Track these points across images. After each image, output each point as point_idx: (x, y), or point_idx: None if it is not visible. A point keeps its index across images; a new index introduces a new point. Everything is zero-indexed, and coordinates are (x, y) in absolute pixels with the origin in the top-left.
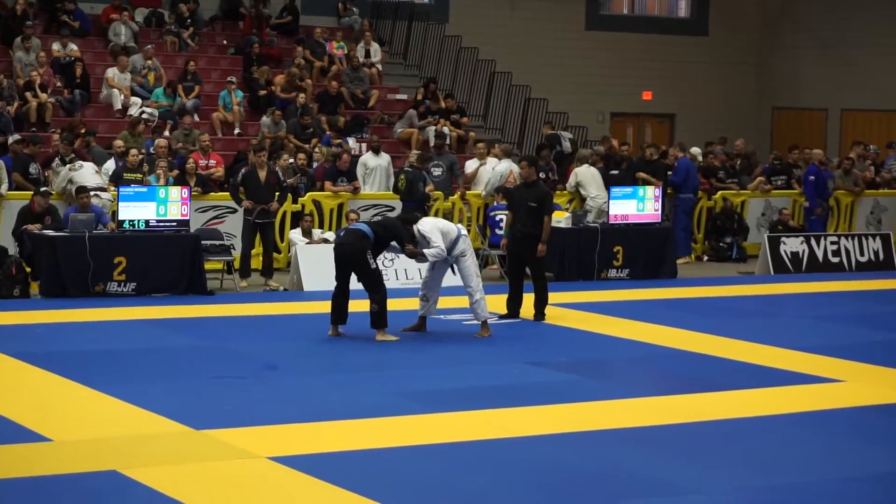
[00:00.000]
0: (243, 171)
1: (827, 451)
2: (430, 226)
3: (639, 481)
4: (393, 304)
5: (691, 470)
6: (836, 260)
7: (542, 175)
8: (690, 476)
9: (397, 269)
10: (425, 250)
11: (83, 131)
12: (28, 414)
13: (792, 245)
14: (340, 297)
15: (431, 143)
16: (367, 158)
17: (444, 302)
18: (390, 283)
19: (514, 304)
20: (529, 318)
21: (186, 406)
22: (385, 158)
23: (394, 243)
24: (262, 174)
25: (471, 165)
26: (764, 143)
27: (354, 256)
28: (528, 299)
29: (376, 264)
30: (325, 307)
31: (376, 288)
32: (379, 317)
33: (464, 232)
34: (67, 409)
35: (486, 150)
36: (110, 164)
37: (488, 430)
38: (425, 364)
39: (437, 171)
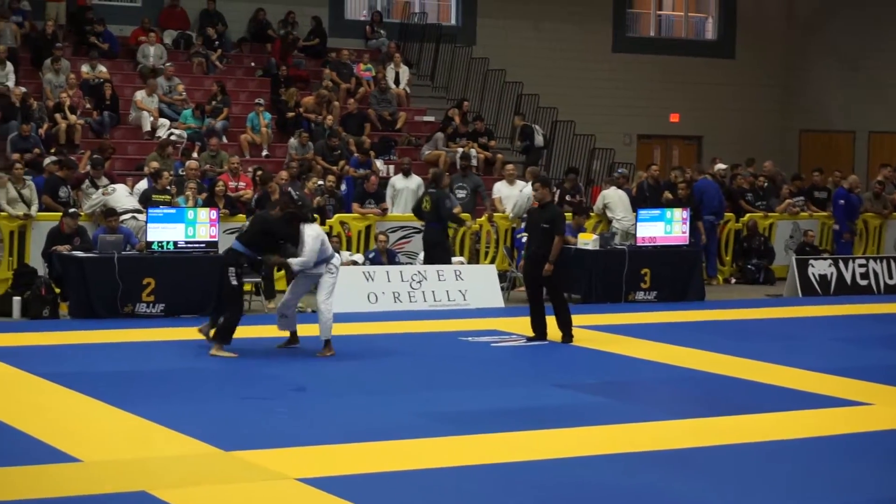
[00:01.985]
0: (256, 195)
1: (856, 474)
2: (316, 232)
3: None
4: (419, 326)
5: (722, 493)
6: (864, 283)
7: (568, 197)
8: (722, 499)
9: (424, 292)
10: (292, 260)
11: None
12: (57, 434)
13: (820, 267)
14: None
15: (459, 166)
16: (396, 180)
17: (466, 325)
18: (417, 304)
19: (537, 326)
20: (557, 341)
21: (215, 427)
22: (415, 181)
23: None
24: (276, 197)
25: (498, 188)
26: (791, 165)
27: (221, 270)
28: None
29: (238, 282)
30: (354, 328)
31: (230, 304)
32: (223, 331)
33: (339, 255)
34: (97, 430)
35: (515, 171)
36: (142, 185)
37: (516, 452)
38: (453, 386)
39: (461, 193)
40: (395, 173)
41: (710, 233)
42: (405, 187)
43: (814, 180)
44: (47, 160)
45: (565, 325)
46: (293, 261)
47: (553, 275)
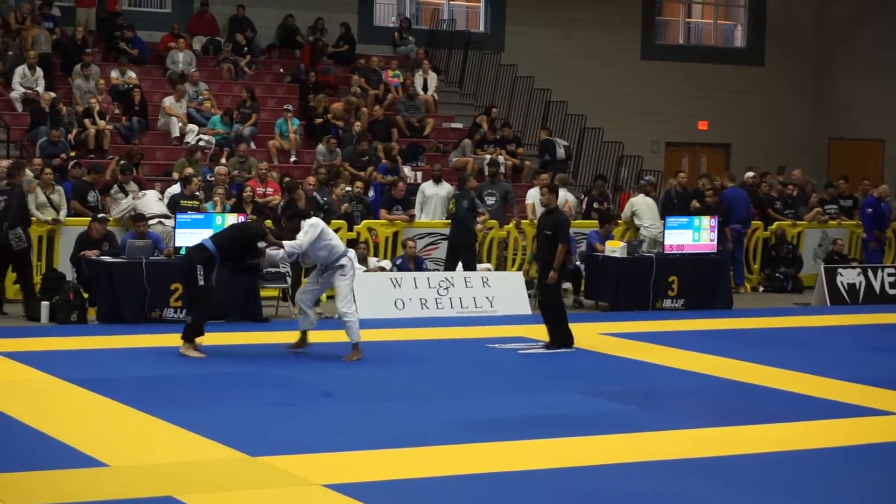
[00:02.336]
0: (283, 202)
1: (883, 484)
2: (316, 221)
3: None
4: (446, 333)
5: (749, 501)
6: (893, 291)
7: (595, 204)
8: None
9: (451, 298)
10: (285, 242)
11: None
12: (85, 439)
13: (849, 276)
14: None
15: (487, 173)
16: (426, 187)
17: (492, 332)
18: (444, 311)
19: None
20: (582, 347)
21: (242, 432)
22: (445, 188)
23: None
24: (301, 203)
25: (532, 195)
26: (820, 173)
27: (184, 269)
28: (577, 329)
29: (205, 282)
30: (382, 335)
31: (198, 303)
32: (190, 329)
33: (352, 254)
34: (124, 435)
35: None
36: (175, 189)
37: (544, 459)
38: (479, 393)
39: (490, 200)
40: (424, 180)
41: (736, 241)
42: (435, 194)
43: (840, 188)
44: (71, 164)
45: (551, 330)
46: (286, 243)
47: (557, 284)
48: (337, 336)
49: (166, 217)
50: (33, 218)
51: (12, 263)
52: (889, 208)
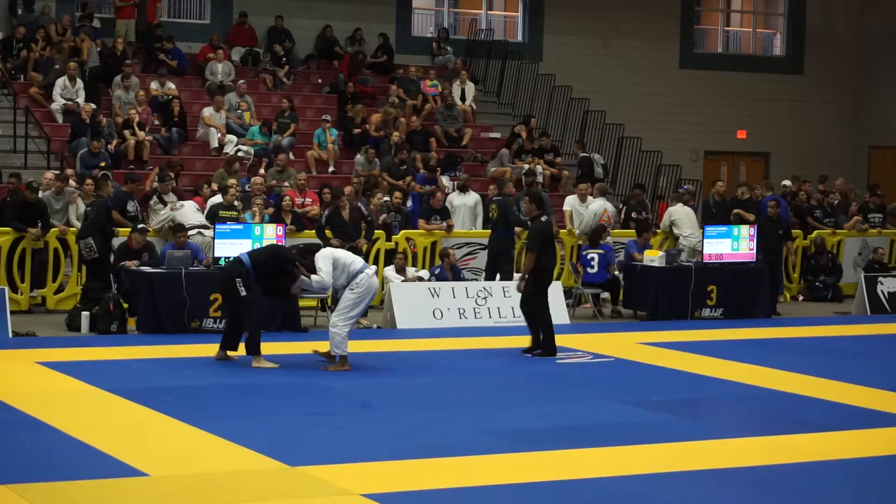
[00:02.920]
0: (327, 212)
1: None
2: (325, 253)
3: None
4: (484, 343)
5: None
6: None
7: (634, 213)
8: None
9: (490, 308)
10: (313, 276)
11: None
12: (126, 449)
13: (889, 285)
14: (230, 321)
15: (523, 182)
16: (453, 197)
17: (530, 341)
18: (482, 320)
19: (535, 339)
20: (620, 357)
21: (281, 442)
22: (473, 197)
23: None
24: (346, 213)
25: (570, 202)
26: (860, 182)
27: (224, 282)
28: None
29: (247, 292)
30: (420, 345)
31: (245, 315)
32: (250, 344)
33: (370, 270)
34: (164, 445)
35: (588, 189)
36: (215, 199)
37: (584, 469)
38: (518, 403)
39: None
40: (453, 190)
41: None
42: (462, 204)
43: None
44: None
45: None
46: (314, 278)
47: (533, 292)
48: (374, 346)
49: (205, 227)
50: (73, 228)
51: (88, 271)
52: None
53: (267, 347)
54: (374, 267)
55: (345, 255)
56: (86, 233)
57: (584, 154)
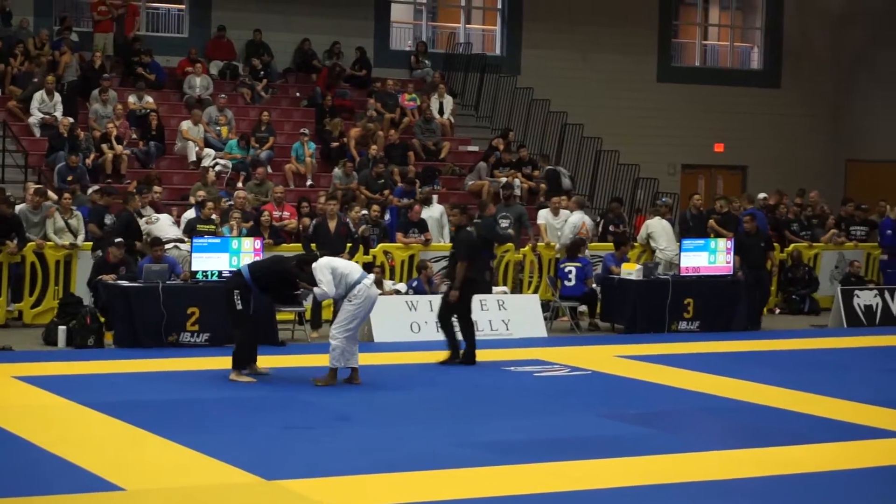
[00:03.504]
0: (314, 222)
1: None
2: (322, 263)
3: None
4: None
5: None
6: None
7: (612, 227)
8: None
9: (479, 320)
10: (315, 289)
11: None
12: (102, 463)
13: (865, 298)
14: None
15: (501, 195)
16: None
17: (509, 354)
18: (460, 334)
19: (454, 350)
20: (598, 370)
21: (258, 456)
22: (437, 209)
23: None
24: (333, 225)
25: (543, 215)
26: (836, 195)
27: (223, 294)
28: (594, 351)
29: (243, 305)
30: (398, 358)
31: (237, 327)
32: (235, 355)
33: (368, 280)
34: (141, 459)
35: (560, 202)
36: (190, 213)
37: (560, 482)
38: (496, 415)
39: (504, 223)
40: (441, 203)
41: None
42: (428, 217)
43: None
44: (90, 190)
45: (471, 349)
46: (315, 291)
47: (459, 301)
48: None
49: (181, 241)
50: (51, 243)
51: None
52: None
53: None
54: (372, 276)
55: (342, 265)
56: (99, 245)
57: (551, 167)
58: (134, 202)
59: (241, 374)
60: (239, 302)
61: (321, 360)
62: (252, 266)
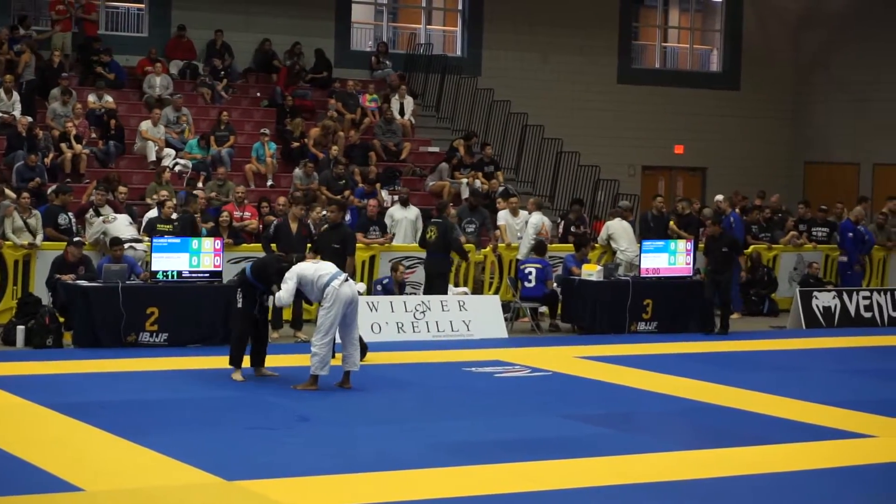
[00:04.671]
0: (275, 223)
1: None
2: (294, 269)
3: None
4: (423, 357)
5: None
6: (868, 315)
7: (573, 228)
8: None
9: (428, 322)
10: (275, 292)
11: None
12: (60, 464)
13: (824, 299)
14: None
15: (464, 197)
16: (395, 210)
17: (469, 355)
18: (421, 334)
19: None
20: (558, 371)
21: (219, 457)
22: (413, 211)
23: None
24: (294, 226)
25: (503, 216)
26: (795, 196)
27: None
28: (554, 353)
29: (243, 303)
30: None
31: (231, 325)
32: (230, 354)
33: (336, 282)
34: (100, 460)
35: (518, 202)
36: (152, 213)
37: (521, 482)
38: (457, 416)
39: (470, 228)
40: (392, 203)
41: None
42: (404, 217)
43: (820, 215)
44: (50, 190)
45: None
46: (277, 295)
47: None
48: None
49: (137, 241)
50: (9, 243)
51: None
52: (867, 232)
53: (207, 361)
54: (341, 276)
55: (310, 270)
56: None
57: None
58: (195, 204)
59: (237, 373)
60: (239, 300)
61: (281, 361)
62: (252, 265)
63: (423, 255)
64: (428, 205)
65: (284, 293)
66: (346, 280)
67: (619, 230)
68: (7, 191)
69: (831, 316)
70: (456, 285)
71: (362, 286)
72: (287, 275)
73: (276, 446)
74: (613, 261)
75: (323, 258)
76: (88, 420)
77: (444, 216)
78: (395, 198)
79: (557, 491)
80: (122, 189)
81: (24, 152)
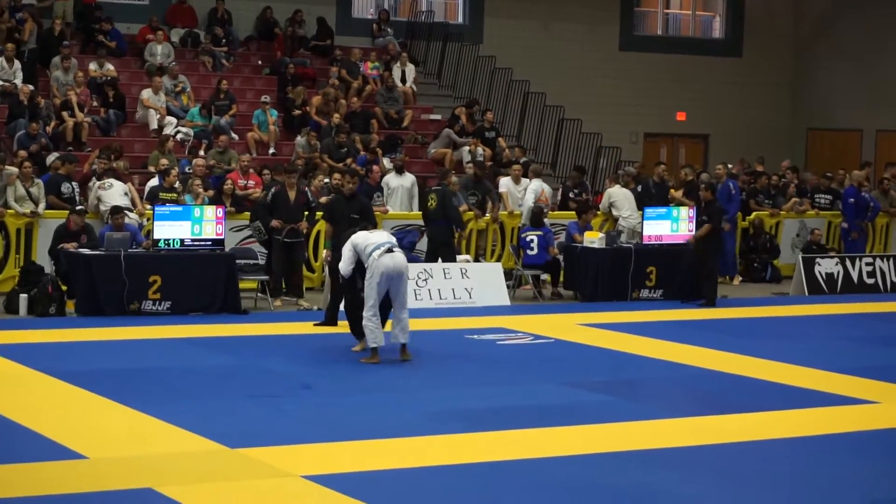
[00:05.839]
0: (273, 190)
1: (862, 472)
2: (351, 239)
3: (674, 502)
4: (425, 325)
5: (727, 491)
6: (871, 281)
7: (572, 194)
8: (725, 498)
9: (430, 290)
10: (340, 266)
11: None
12: (63, 431)
13: (826, 266)
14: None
15: (465, 162)
16: (390, 178)
17: (471, 323)
18: (423, 302)
19: (332, 313)
20: (560, 338)
21: (221, 424)
22: (409, 179)
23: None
24: (292, 194)
25: (505, 183)
26: (798, 164)
27: None
28: (557, 319)
29: (341, 274)
30: None
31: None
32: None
33: (377, 252)
34: (103, 427)
35: (520, 171)
36: (154, 182)
37: (523, 449)
38: (459, 384)
39: (473, 200)
40: (388, 171)
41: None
42: (399, 185)
43: (824, 183)
44: (51, 157)
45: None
46: (340, 267)
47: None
48: (314, 328)
49: (128, 210)
50: (11, 211)
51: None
52: (872, 198)
53: (208, 329)
54: (384, 246)
55: (361, 239)
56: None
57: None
58: (289, 179)
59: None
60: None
61: (284, 329)
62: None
63: (418, 222)
64: (429, 172)
65: (343, 262)
66: (390, 250)
67: (621, 197)
68: (8, 167)
69: (834, 282)
70: (459, 253)
71: (466, 258)
72: (345, 246)
73: (278, 414)
74: (615, 228)
75: (340, 229)
76: (91, 388)
77: (444, 184)
78: (393, 165)
79: (560, 458)
80: (123, 164)
81: (25, 121)
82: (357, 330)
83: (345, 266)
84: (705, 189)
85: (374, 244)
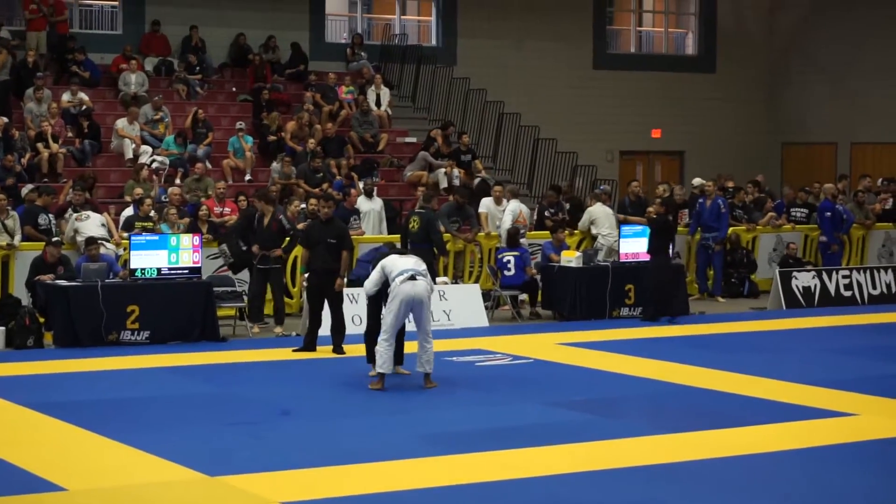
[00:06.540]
0: (247, 210)
1: (843, 484)
2: (382, 260)
3: None
4: (405, 347)
5: None
6: (848, 294)
7: (547, 213)
8: None
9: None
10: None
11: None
12: (43, 464)
13: (804, 279)
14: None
15: (441, 186)
16: (361, 202)
17: (450, 344)
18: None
19: (312, 341)
20: (540, 358)
21: (201, 453)
22: (378, 202)
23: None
24: (266, 220)
25: (486, 204)
26: (774, 178)
27: None
28: (536, 339)
29: (371, 301)
30: None
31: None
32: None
33: (399, 278)
34: (82, 459)
35: (501, 192)
36: (129, 212)
37: (507, 470)
38: (440, 406)
39: (454, 226)
40: (380, 195)
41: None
42: (370, 209)
43: (801, 197)
44: (25, 189)
45: (340, 338)
46: (366, 283)
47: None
48: (293, 353)
49: (105, 240)
50: None
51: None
52: (846, 211)
53: (186, 358)
54: (407, 272)
55: (390, 263)
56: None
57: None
58: (266, 207)
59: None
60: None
61: (264, 355)
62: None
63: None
64: (406, 195)
65: (368, 283)
66: (413, 277)
67: (601, 215)
68: None
69: (811, 296)
70: (437, 276)
71: (444, 280)
72: (375, 267)
73: (257, 441)
74: (593, 247)
75: (316, 253)
76: (71, 419)
77: (428, 207)
78: (375, 190)
79: (541, 478)
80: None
81: (0, 153)
82: (372, 356)
83: (370, 286)
84: (659, 204)
85: (400, 270)
